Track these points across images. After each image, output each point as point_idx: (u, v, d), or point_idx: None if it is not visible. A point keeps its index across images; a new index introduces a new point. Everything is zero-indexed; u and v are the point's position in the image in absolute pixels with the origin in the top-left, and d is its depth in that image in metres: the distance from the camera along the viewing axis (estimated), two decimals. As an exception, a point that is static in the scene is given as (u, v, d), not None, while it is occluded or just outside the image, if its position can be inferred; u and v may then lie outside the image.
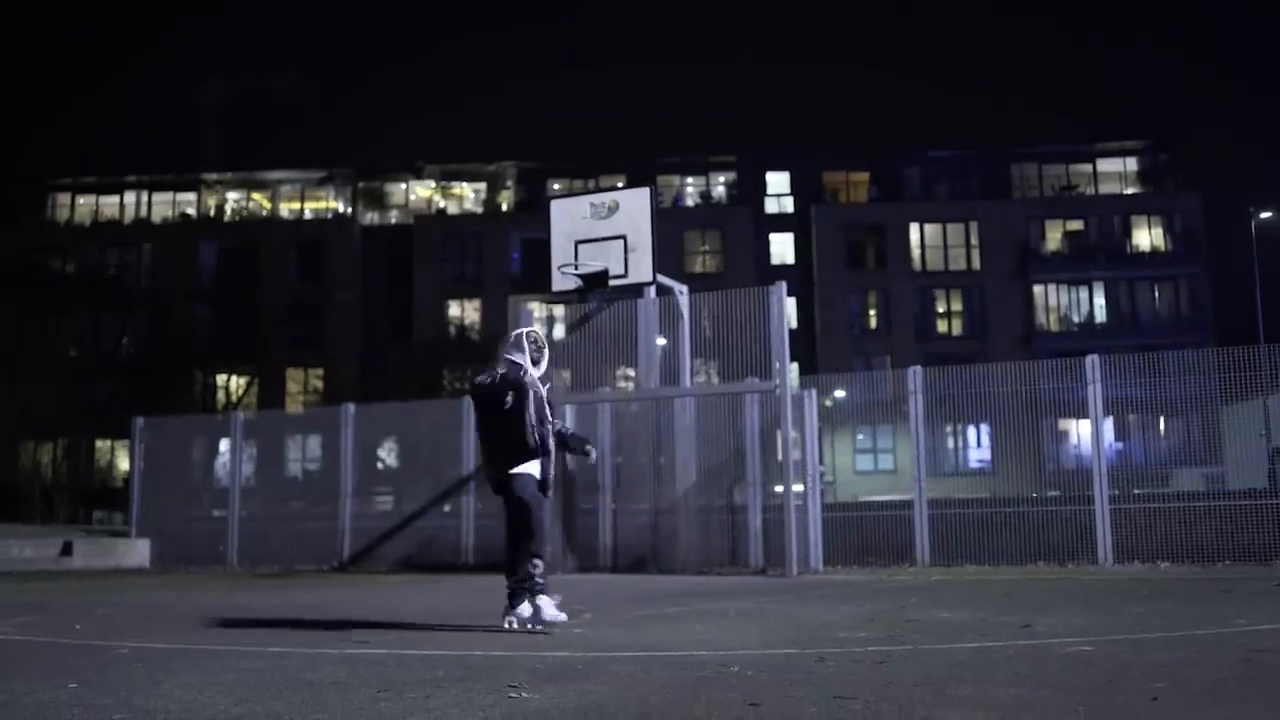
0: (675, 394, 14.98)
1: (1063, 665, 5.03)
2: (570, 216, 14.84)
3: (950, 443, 44.46)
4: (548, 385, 7.23)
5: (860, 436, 43.61)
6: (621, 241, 14.37)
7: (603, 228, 14.52)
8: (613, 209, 14.49)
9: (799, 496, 14.24)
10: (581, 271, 14.48)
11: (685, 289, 15.19)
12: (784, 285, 14.16)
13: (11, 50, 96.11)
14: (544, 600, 6.72)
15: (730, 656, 5.42)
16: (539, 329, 7.37)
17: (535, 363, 7.12)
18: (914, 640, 6.07)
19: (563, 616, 6.73)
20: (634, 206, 14.57)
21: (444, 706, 4.09)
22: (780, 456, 15.24)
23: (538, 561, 6.77)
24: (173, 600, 10.70)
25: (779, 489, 15.23)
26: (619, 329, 15.27)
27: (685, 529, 15.28)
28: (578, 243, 14.59)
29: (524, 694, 4.34)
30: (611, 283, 14.51)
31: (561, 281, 14.75)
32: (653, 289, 14.81)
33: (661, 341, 15.37)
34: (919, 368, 15.72)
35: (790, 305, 14.85)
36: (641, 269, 14.34)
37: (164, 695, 4.41)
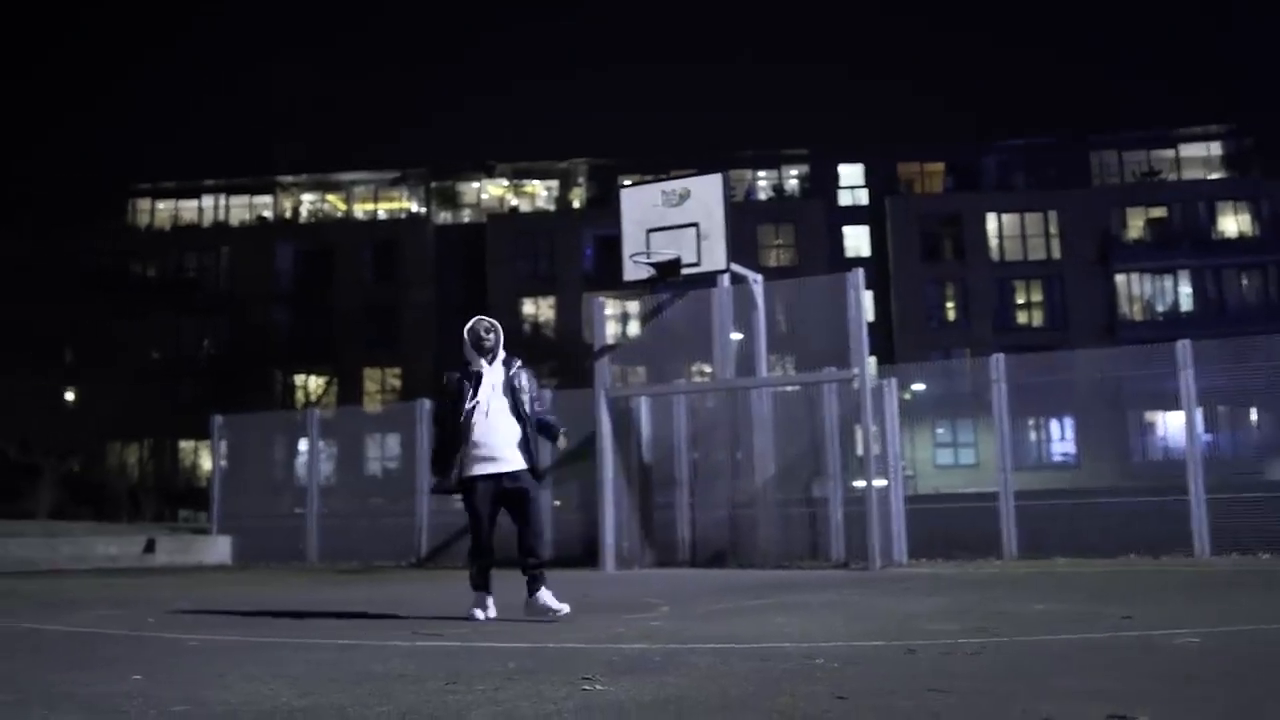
0: (752, 385, 14.70)
1: (1173, 657, 4.72)
2: (641, 205, 14.60)
3: (1033, 435, 43.82)
4: (513, 369, 7.16)
5: (940, 430, 43.06)
6: (694, 229, 14.10)
7: (674, 215, 14.26)
8: (684, 196, 14.24)
9: (881, 488, 13.91)
10: (654, 260, 14.25)
11: (760, 277, 14.89)
12: (860, 272, 13.80)
13: (92, 59, 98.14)
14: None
15: (814, 648, 5.17)
16: (487, 318, 7.27)
17: (484, 354, 7.09)
18: (1008, 632, 5.77)
19: (487, 616, 7.02)
20: (706, 193, 14.29)
21: (514, 699, 3.89)
22: (860, 449, 14.93)
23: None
24: (248, 595, 10.66)
25: (858, 483, 14.94)
26: (693, 319, 15.03)
27: (764, 522, 15.02)
28: (649, 231, 14.35)
29: (598, 686, 4.13)
30: (684, 271, 14.24)
31: (634, 271, 14.52)
32: (727, 277, 14.53)
33: (737, 336, 15.10)
34: (1001, 355, 15.28)
35: (866, 299, 14.50)
36: (715, 257, 14.07)
37: (227, 687, 4.26)
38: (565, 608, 6.75)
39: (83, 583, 13.34)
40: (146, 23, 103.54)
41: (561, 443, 7.37)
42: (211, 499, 20.52)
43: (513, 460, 6.97)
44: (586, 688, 4.10)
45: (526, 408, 7.05)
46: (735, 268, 14.55)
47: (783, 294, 15.28)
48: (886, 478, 14.27)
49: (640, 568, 14.95)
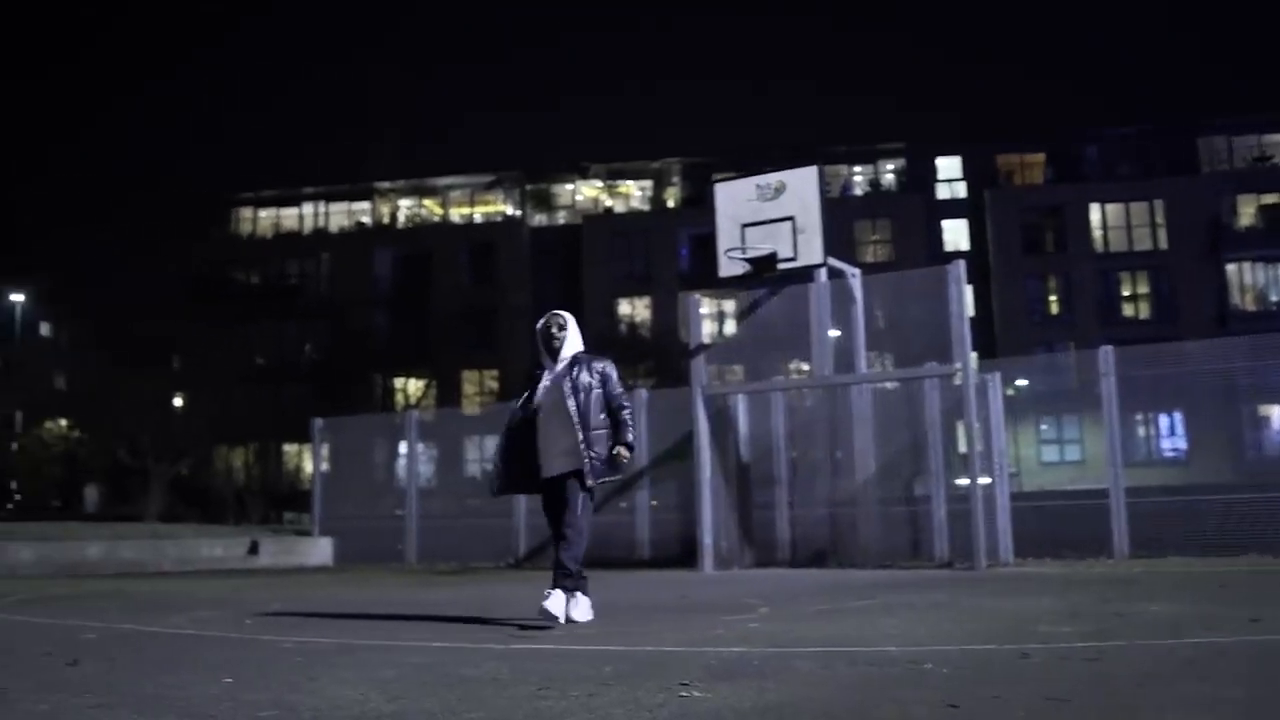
0: (851, 381, 14.39)
1: (1309, 662, 4.42)
2: (735, 199, 14.35)
3: (1141, 431, 42.57)
4: (576, 366, 6.85)
5: (1044, 427, 42.06)
6: (790, 223, 13.81)
7: (770, 209, 13.99)
8: (779, 190, 13.98)
9: (985, 486, 13.52)
10: (749, 255, 14.00)
11: (858, 272, 14.56)
12: (962, 264, 13.42)
13: (190, 71, 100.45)
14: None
15: (922, 652, 4.94)
16: (561, 314, 7.04)
17: (552, 353, 6.90)
18: (1126, 635, 5.49)
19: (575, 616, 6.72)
20: (801, 186, 13.99)
21: (608, 706, 3.74)
22: (963, 445, 14.55)
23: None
24: (346, 597, 10.68)
25: (961, 481, 14.59)
26: (790, 316, 14.73)
27: (865, 521, 14.71)
28: (744, 226, 14.10)
29: (695, 693, 3.97)
30: (780, 266, 13.94)
31: (729, 267, 14.28)
32: (824, 271, 14.23)
33: (834, 333, 14.80)
34: (1110, 348, 14.79)
35: (967, 293, 14.14)
36: (811, 251, 13.78)
37: (317, 691, 4.18)
38: (560, 619, 6.49)
39: (186, 584, 13.52)
40: (242, 39, 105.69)
41: (621, 454, 6.78)
42: (313, 501, 20.74)
43: (560, 464, 6.73)
44: (683, 694, 3.94)
45: (586, 408, 6.71)
46: (833, 262, 14.26)
47: (881, 288, 14.91)
48: (991, 475, 13.87)
49: (739, 568, 14.74)
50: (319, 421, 20.86)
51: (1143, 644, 5.13)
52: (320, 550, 19.79)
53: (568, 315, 7.04)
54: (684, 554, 15.17)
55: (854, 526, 14.86)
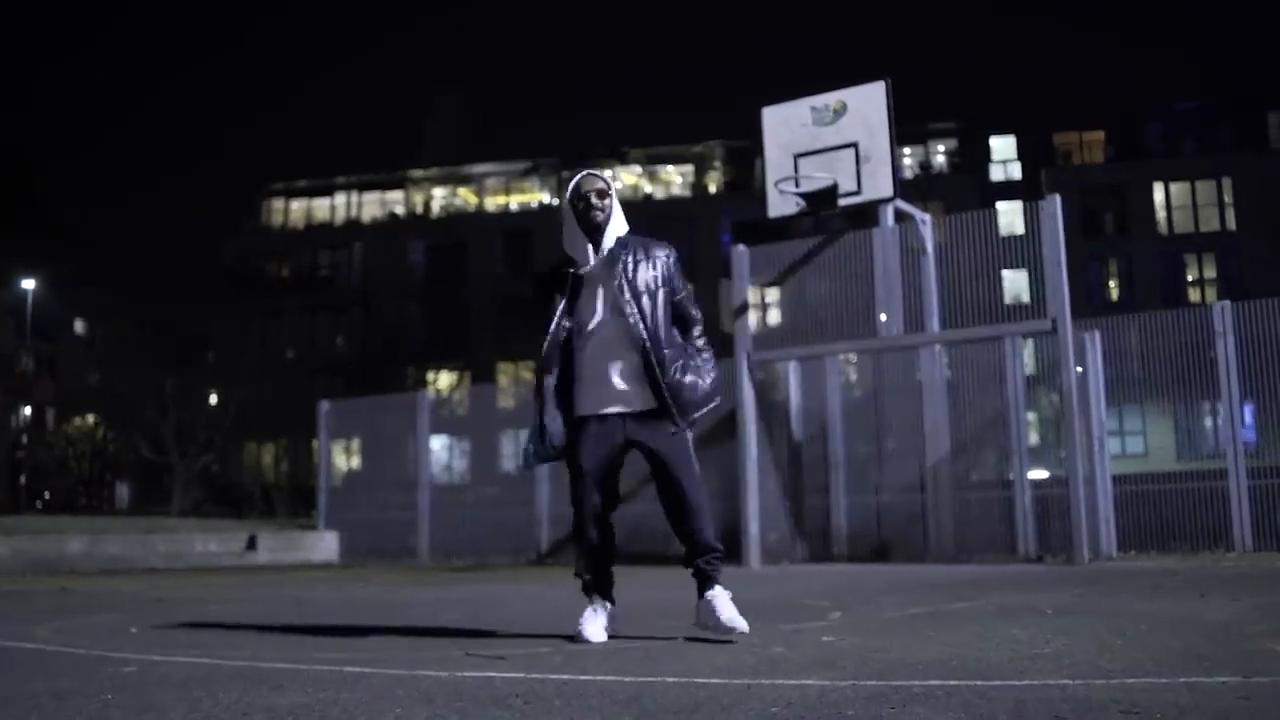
0: (920, 342, 12.22)
1: None
2: (788, 125, 12.18)
3: (1208, 422, 40.23)
4: (635, 257, 4.56)
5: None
6: (852, 150, 11.67)
7: (828, 135, 11.82)
8: (839, 111, 11.83)
9: (1084, 467, 11.40)
10: (804, 189, 11.87)
11: (928, 217, 12.40)
12: (1057, 199, 11.35)
13: (222, 63, 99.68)
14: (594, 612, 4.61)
15: (1123, 689, 2.92)
16: (598, 174, 4.63)
17: (593, 230, 4.53)
18: None
19: (597, 638, 4.45)
20: (866, 107, 11.81)
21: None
22: (1046, 417, 12.54)
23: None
24: (311, 597, 8.76)
25: (1035, 474, 12.56)
26: (849, 269, 12.56)
27: (936, 509, 12.59)
28: (797, 156, 11.94)
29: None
30: (842, 201, 11.77)
31: (779, 204, 12.11)
32: (891, 209, 12.09)
33: (883, 317, 12.63)
34: (1228, 302, 12.70)
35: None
36: (878, 183, 11.62)
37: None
38: (743, 624, 4.37)
39: (150, 582, 11.69)
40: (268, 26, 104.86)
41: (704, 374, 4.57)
42: (318, 491, 18.94)
43: (641, 395, 4.49)
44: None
45: (655, 317, 4.48)
46: (900, 204, 12.13)
47: (953, 232, 12.63)
48: (1090, 453, 11.75)
49: (790, 563, 12.75)
50: (325, 404, 19.09)
51: None
52: (325, 546, 17.94)
53: (608, 177, 4.69)
54: (727, 548, 13.16)
55: (923, 515, 12.79)
